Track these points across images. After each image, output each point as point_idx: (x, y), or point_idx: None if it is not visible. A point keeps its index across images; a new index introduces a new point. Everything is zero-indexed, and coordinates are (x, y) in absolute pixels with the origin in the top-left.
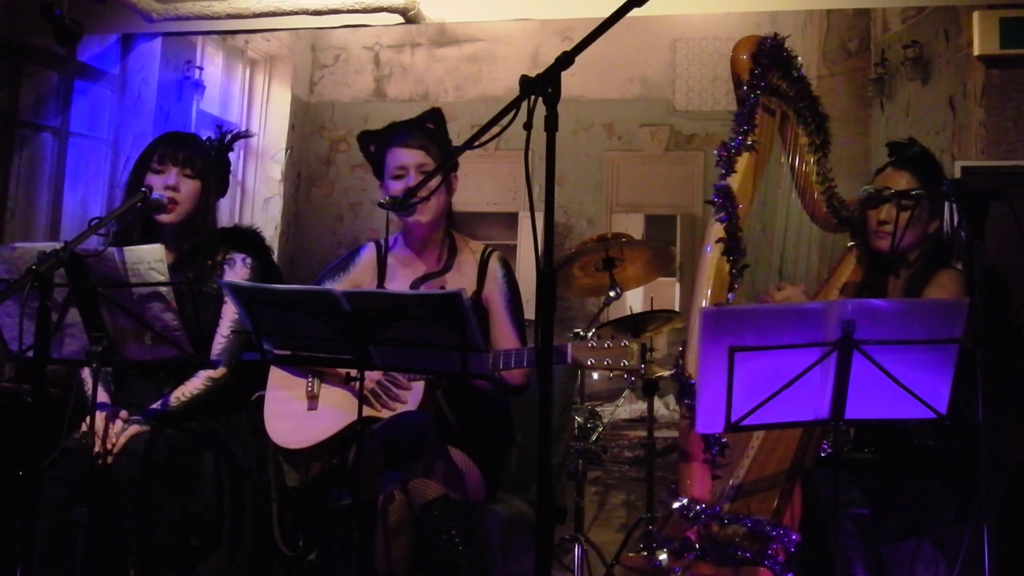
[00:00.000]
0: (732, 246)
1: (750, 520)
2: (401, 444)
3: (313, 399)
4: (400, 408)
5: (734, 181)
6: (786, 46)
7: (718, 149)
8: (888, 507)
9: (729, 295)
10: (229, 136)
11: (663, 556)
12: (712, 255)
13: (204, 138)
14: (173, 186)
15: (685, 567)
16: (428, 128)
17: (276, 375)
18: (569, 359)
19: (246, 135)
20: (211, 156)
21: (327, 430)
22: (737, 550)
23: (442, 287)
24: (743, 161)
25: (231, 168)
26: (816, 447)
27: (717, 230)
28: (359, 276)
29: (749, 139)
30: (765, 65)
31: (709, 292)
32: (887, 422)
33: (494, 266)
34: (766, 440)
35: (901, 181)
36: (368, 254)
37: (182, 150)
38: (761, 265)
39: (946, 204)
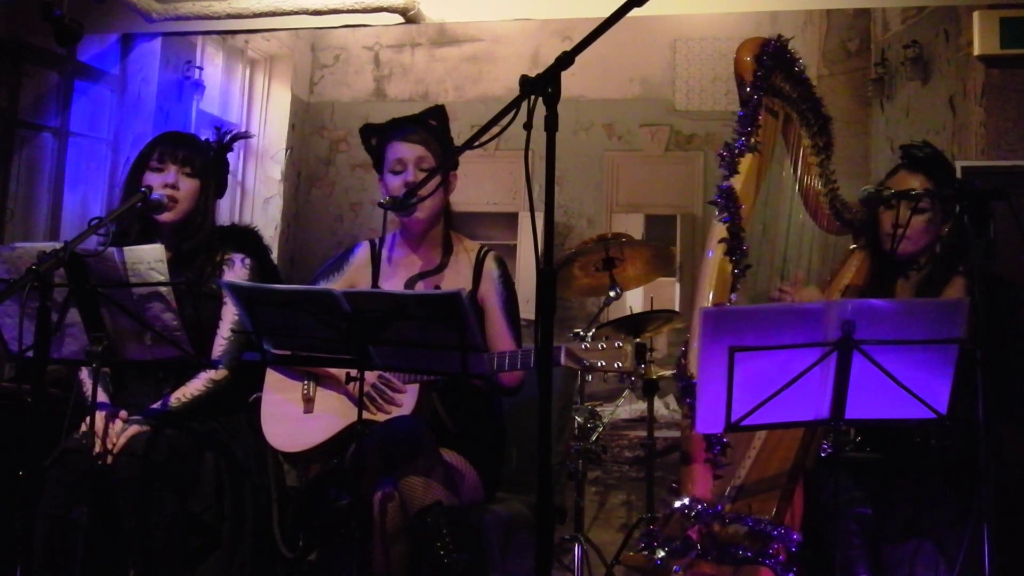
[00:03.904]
0: (735, 247)
1: (751, 519)
2: (395, 449)
3: (309, 402)
4: (395, 412)
5: (737, 182)
6: (789, 48)
7: (721, 150)
8: (890, 507)
9: (732, 295)
10: (228, 136)
11: (663, 555)
12: (715, 256)
13: (203, 139)
14: (172, 184)
15: (686, 566)
16: (430, 124)
17: (272, 378)
18: (562, 362)
19: (245, 135)
20: (210, 156)
21: (323, 434)
22: (738, 549)
23: (437, 286)
24: (746, 162)
25: (230, 168)
26: (818, 447)
27: (720, 231)
28: (353, 276)
29: (752, 140)
30: (768, 67)
31: (711, 293)
32: (887, 422)
33: (490, 265)
34: (768, 440)
35: (914, 183)
36: (362, 253)
37: (181, 149)
38: (763, 266)
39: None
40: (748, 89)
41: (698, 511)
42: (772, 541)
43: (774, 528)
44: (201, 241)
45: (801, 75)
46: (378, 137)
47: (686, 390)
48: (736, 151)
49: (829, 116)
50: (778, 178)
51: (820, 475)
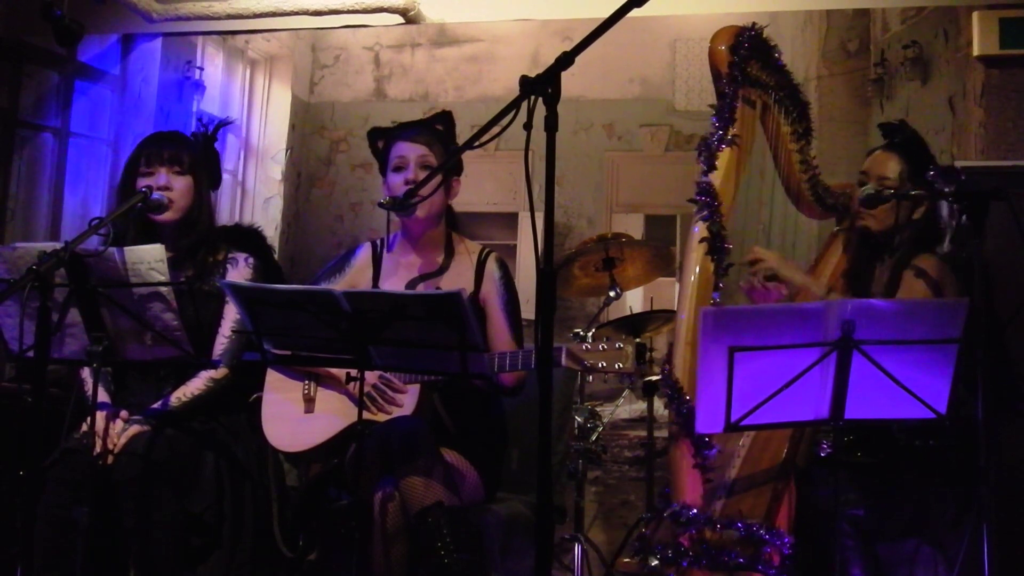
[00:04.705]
0: (716, 245)
1: (743, 524)
2: (395, 449)
3: (310, 402)
4: (396, 412)
5: (716, 177)
6: (764, 35)
7: (698, 145)
8: (888, 507)
9: (714, 295)
10: (212, 126)
11: (655, 562)
12: (696, 255)
13: (190, 134)
14: (165, 186)
15: (679, 574)
16: (436, 129)
17: (272, 378)
18: (562, 362)
19: (227, 122)
20: (198, 150)
21: (324, 434)
22: (731, 556)
23: (438, 288)
24: (725, 156)
25: (220, 159)
26: (809, 445)
27: (700, 229)
28: (355, 277)
29: (730, 133)
30: (744, 56)
31: (693, 293)
32: (887, 422)
33: (491, 267)
34: (757, 438)
35: (890, 163)
36: (364, 254)
37: (167, 148)
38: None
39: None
40: (724, 80)
41: (689, 517)
42: (764, 545)
43: (766, 532)
44: (202, 235)
45: (778, 61)
46: (384, 140)
47: (673, 394)
48: (714, 146)
49: (807, 101)
50: (760, 167)
51: (815, 475)
